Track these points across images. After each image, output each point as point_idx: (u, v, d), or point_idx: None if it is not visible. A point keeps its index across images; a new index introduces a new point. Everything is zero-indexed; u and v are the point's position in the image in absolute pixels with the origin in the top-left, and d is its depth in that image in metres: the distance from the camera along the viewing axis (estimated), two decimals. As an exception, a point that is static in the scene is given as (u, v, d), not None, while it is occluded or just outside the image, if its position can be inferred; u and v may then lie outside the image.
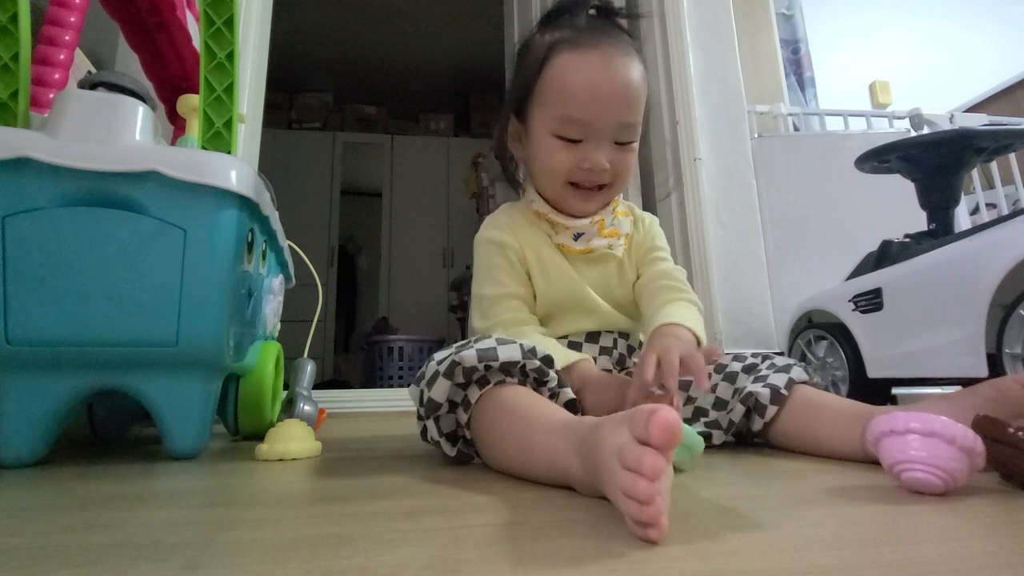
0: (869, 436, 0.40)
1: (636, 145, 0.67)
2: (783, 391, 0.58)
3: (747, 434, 0.61)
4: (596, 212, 0.69)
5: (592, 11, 0.67)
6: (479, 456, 0.52)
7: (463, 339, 0.55)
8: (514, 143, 0.71)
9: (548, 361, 0.52)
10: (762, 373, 0.61)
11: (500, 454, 0.48)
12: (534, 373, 0.51)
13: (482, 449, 0.51)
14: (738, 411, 0.60)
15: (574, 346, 0.70)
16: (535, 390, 0.51)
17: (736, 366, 0.64)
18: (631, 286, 0.73)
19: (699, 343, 0.59)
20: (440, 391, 0.50)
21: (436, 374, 0.50)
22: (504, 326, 0.65)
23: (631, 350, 0.73)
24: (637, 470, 0.27)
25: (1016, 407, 0.43)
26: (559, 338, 0.70)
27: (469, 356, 0.48)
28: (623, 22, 0.68)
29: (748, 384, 0.60)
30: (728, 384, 0.63)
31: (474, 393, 0.50)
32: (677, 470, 0.47)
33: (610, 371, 0.69)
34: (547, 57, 0.64)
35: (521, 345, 0.50)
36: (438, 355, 0.52)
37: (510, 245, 0.69)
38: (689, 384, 0.62)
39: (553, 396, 0.52)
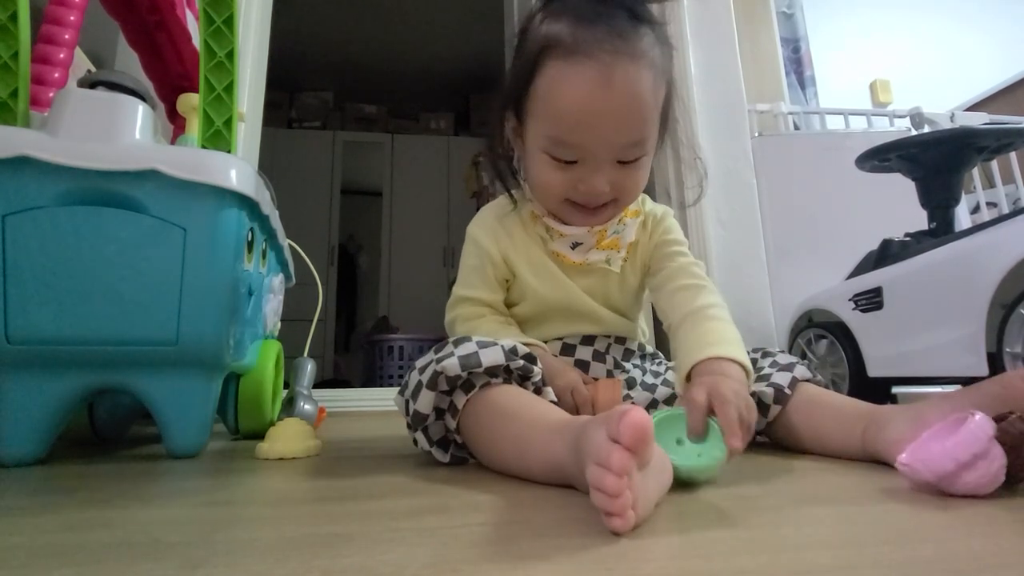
0: (930, 479, 0.36)
1: (647, 160, 0.59)
2: (787, 390, 0.57)
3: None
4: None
5: None
6: (473, 457, 0.52)
7: None
8: (515, 139, 0.65)
9: (531, 359, 0.51)
10: (765, 372, 0.60)
11: (496, 456, 0.48)
12: (518, 371, 0.51)
13: (476, 452, 0.50)
14: None
15: (568, 348, 0.69)
16: (519, 385, 0.51)
17: None
18: (633, 291, 0.71)
19: (747, 373, 0.52)
20: (425, 403, 0.49)
21: (419, 385, 0.49)
22: (463, 320, 0.68)
23: (627, 354, 0.72)
24: (606, 465, 0.29)
25: (1021, 403, 0.42)
26: (554, 340, 0.69)
27: (451, 365, 0.47)
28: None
29: (751, 384, 0.60)
30: None
31: (460, 398, 0.49)
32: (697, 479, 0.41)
33: (598, 379, 0.66)
34: (538, 62, 0.56)
35: (502, 347, 0.49)
36: (420, 362, 0.51)
37: (488, 252, 0.67)
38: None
39: (538, 391, 0.51)
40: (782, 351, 0.64)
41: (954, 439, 0.35)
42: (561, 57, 0.55)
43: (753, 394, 0.58)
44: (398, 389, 0.54)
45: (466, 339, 0.50)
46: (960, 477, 0.35)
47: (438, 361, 0.48)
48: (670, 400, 0.66)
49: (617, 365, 0.70)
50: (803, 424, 0.56)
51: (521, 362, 0.50)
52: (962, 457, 0.35)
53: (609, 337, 0.71)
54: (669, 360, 0.73)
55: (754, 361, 0.62)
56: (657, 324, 0.71)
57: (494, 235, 0.68)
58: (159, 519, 0.35)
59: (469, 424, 0.49)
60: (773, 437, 0.60)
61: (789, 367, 0.60)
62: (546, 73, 0.56)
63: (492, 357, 0.48)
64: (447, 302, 0.72)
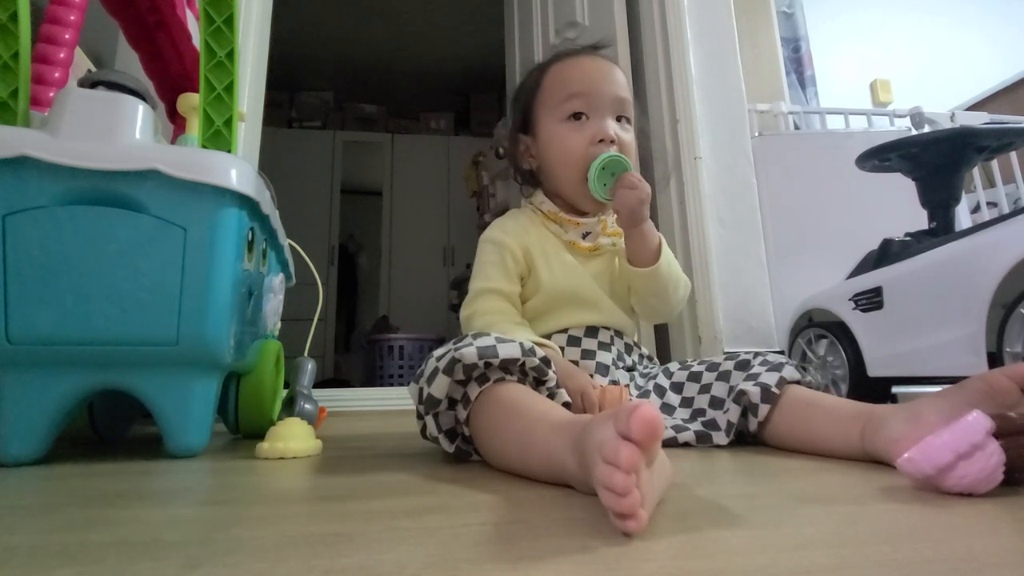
0: (929, 471, 0.37)
1: (633, 129, 0.75)
2: (774, 390, 0.58)
3: (746, 434, 0.61)
4: (602, 211, 0.76)
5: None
6: (477, 453, 0.53)
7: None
8: (526, 158, 0.79)
9: (547, 361, 0.52)
10: (754, 371, 0.61)
11: (499, 452, 0.48)
12: (533, 372, 0.52)
13: (481, 446, 0.51)
14: (734, 411, 0.60)
15: (574, 340, 0.72)
16: (534, 389, 0.52)
17: (729, 364, 0.64)
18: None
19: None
20: (440, 387, 0.50)
21: (436, 370, 0.50)
22: (480, 315, 0.71)
23: (628, 348, 0.76)
24: (615, 463, 0.28)
25: (1005, 398, 0.42)
26: (560, 332, 0.73)
27: (469, 353, 0.48)
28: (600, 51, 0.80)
29: (740, 383, 0.61)
30: (723, 383, 0.64)
31: (474, 390, 0.50)
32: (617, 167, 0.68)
33: (608, 366, 0.71)
34: (543, 72, 0.77)
35: (521, 344, 0.51)
36: (438, 352, 0.52)
37: (507, 245, 0.74)
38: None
39: (551, 396, 0.52)
40: (776, 351, 0.65)
41: (952, 431, 0.35)
42: (561, 58, 0.77)
43: (742, 393, 0.59)
44: (412, 379, 0.55)
45: (485, 333, 0.52)
46: (958, 469, 0.35)
47: (457, 349, 0.49)
48: (665, 407, 0.67)
49: (620, 356, 0.74)
50: (798, 427, 0.56)
51: (537, 361, 0.51)
52: (961, 448, 0.35)
53: (610, 329, 0.75)
54: (664, 364, 0.76)
55: (747, 362, 0.63)
56: (656, 327, 0.76)
57: (512, 232, 0.75)
58: (159, 519, 0.35)
59: (477, 417, 0.50)
60: (768, 442, 0.60)
61: (777, 367, 0.60)
62: (552, 69, 0.77)
63: (510, 351, 0.50)
64: (463, 300, 0.76)
